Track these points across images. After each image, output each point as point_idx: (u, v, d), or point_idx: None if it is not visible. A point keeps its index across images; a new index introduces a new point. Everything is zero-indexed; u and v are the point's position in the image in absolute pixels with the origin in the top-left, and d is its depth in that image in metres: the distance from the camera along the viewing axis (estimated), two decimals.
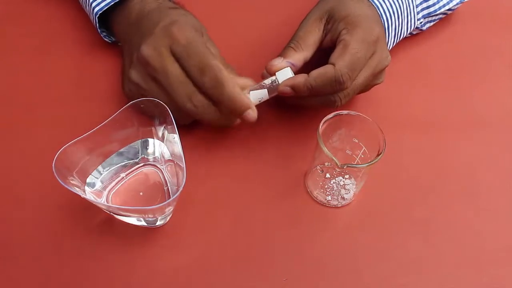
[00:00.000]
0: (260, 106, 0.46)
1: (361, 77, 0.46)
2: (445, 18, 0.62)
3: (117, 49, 0.55)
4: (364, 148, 0.45)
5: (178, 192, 0.37)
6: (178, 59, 0.44)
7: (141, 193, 0.45)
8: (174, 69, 0.44)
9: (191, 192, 0.46)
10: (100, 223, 0.45)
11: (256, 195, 0.47)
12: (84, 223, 0.44)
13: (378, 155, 0.41)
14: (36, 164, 0.47)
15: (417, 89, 0.56)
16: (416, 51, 0.60)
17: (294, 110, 0.53)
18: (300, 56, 0.47)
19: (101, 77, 0.54)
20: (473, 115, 0.54)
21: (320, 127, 0.42)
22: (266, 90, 0.46)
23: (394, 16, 0.52)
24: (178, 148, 0.41)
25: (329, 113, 0.43)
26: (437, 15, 0.58)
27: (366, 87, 0.49)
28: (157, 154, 0.47)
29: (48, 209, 0.45)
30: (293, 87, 0.45)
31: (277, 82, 0.46)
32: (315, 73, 0.45)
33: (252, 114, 0.45)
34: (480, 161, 0.51)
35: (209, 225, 0.45)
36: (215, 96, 0.44)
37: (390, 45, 0.54)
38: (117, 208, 0.41)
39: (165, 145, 0.45)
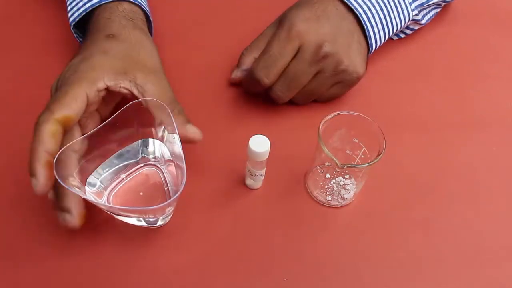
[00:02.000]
0: (259, 106, 0.46)
1: (293, 69, 0.48)
2: (445, 18, 0.62)
3: None
4: (364, 148, 0.45)
5: (179, 193, 0.37)
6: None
7: (141, 194, 0.45)
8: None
9: (191, 192, 0.46)
10: (100, 223, 0.45)
11: (256, 195, 0.47)
12: (84, 223, 0.44)
13: (378, 155, 0.41)
14: None
15: (417, 89, 0.56)
16: (416, 51, 0.60)
17: (294, 109, 0.53)
18: (250, 58, 0.52)
19: None
20: (473, 115, 0.54)
21: (320, 127, 0.42)
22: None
23: (375, 8, 0.52)
24: (178, 148, 0.41)
25: (329, 113, 0.43)
26: (430, 5, 0.58)
27: (323, 86, 0.51)
28: (157, 154, 0.46)
29: (48, 209, 0.45)
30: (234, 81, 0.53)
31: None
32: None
33: None
34: (480, 161, 0.51)
35: (209, 225, 0.45)
36: None
37: (381, 37, 0.54)
38: (118, 208, 0.41)
39: (165, 145, 0.45)
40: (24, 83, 0.54)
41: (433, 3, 0.57)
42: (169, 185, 0.45)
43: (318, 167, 0.48)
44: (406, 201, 0.48)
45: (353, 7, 0.50)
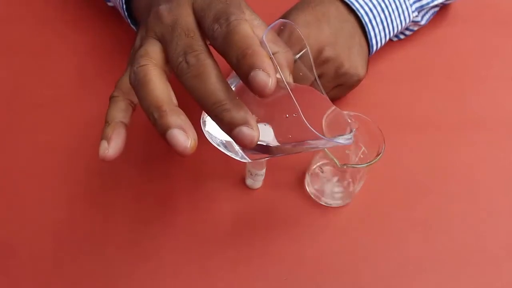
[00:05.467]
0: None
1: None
2: (445, 19, 0.62)
3: (118, 48, 0.55)
4: (363, 148, 0.45)
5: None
6: (196, 13, 0.35)
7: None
8: (185, 21, 0.35)
9: (191, 192, 0.46)
10: (100, 223, 0.45)
11: (256, 195, 0.47)
12: (84, 223, 0.44)
13: (377, 155, 0.41)
14: (36, 164, 0.47)
15: (416, 89, 0.56)
16: (416, 51, 0.60)
17: None
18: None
19: (102, 78, 0.54)
20: (473, 115, 0.54)
21: None
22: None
23: (377, 9, 0.52)
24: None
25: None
26: (431, 7, 0.58)
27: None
28: None
29: (48, 209, 0.45)
30: None
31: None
32: None
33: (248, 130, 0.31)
34: (480, 161, 0.51)
35: (209, 225, 0.45)
36: (222, 36, 0.33)
37: (382, 38, 0.54)
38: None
39: None
40: (24, 83, 0.54)
41: (433, 5, 0.57)
42: None
43: (318, 167, 0.47)
44: (406, 201, 0.47)
45: (355, 8, 0.50)
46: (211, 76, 0.32)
